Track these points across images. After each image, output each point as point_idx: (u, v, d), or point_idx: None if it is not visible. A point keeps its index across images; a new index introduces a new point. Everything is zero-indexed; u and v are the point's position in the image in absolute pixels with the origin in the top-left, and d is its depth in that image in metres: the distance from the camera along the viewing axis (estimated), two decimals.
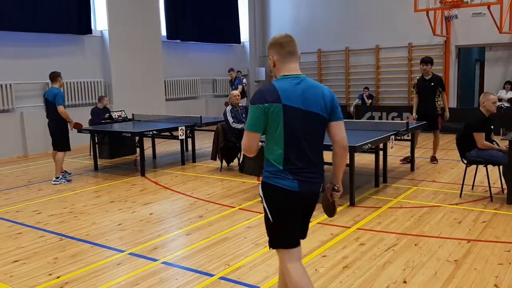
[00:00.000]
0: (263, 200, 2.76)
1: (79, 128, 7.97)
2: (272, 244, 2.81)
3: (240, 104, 8.17)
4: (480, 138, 5.72)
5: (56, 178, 7.59)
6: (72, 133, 8.84)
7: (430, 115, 8.06)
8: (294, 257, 2.77)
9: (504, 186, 5.88)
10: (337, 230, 4.89)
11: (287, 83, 2.68)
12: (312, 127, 2.72)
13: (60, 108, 7.34)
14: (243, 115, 8.06)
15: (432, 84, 8.02)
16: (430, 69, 8.04)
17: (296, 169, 2.72)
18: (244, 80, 15.53)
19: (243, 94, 13.25)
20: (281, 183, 2.69)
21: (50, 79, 7.61)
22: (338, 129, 2.83)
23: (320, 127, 2.78)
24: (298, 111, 2.64)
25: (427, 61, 8.03)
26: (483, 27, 12.32)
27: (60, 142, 7.52)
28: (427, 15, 11.99)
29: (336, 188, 3.06)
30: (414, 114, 8.26)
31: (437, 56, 13.63)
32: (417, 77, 8.38)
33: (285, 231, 2.77)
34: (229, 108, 7.99)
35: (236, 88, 13.14)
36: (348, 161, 5.95)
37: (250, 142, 2.73)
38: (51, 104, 7.41)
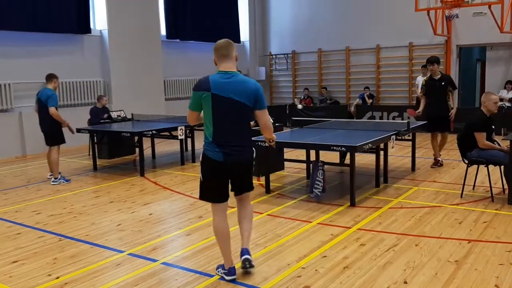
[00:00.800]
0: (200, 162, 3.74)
1: (71, 131, 7.79)
2: (201, 197, 3.87)
3: None
4: (481, 138, 5.71)
5: (55, 178, 7.56)
6: (71, 133, 8.84)
7: (442, 116, 7.69)
8: (219, 209, 3.81)
9: (505, 186, 5.86)
10: (337, 231, 4.87)
11: (219, 77, 3.56)
12: (237, 112, 3.57)
13: (52, 110, 7.30)
14: None
15: (443, 83, 7.71)
16: (437, 69, 7.79)
17: (222, 143, 3.59)
18: None
19: None
20: (210, 154, 3.63)
21: (45, 79, 7.58)
22: (261, 115, 3.70)
23: (244, 113, 3.61)
24: (225, 99, 3.51)
25: (433, 60, 7.76)
26: (484, 26, 12.30)
27: (54, 138, 7.51)
28: (428, 14, 11.98)
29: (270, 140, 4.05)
30: (418, 111, 8.00)
31: (438, 55, 13.60)
32: (425, 78, 8.18)
33: (211, 190, 3.75)
34: None
35: None
36: (349, 161, 5.95)
37: (189, 117, 3.75)
38: (43, 104, 7.37)
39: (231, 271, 3.76)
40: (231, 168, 3.68)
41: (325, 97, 15.05)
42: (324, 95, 15.07)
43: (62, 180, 7.59)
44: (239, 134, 3.64)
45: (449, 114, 7.76)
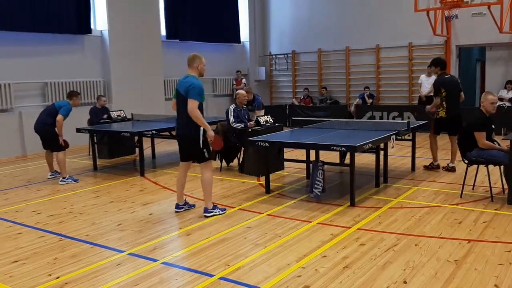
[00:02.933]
0: None
1: (66, 145, 7.75)
2: None
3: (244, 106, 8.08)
4: (481, 138, 5.71)
5: (63, 178, 7.58)
6: (71, 133, 8.85)
7: (458, 116, 7.43)
8: (180, 167, 5.68)
9: (505, 186, 5.87)
10: (337, 230, 4.88)
11: (182, 78, 5.44)
12: (181, 100, 5.28)
13: (60, 117, 7.41)
14: (246, 116, 8.03)
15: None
16: (433, 70, 7.80)
17: (176, 120, 5.48)
18: (244, 80, 15.53)
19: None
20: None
21: (67, 96, 7.83)
22: (189, 103, 5.15)
23: (183, 100, 5.24)
24: (178, 91, 5.33)
25: (430, 63, 7.66)
26: (483, 27, 12.30)
27: (57, 144, 7.54)
28: (428, 15, 11.98)
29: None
30: (440, 114, 7.50)
31: (437, 56, 13.61)
32: (438, 74, 7.74)
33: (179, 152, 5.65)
34: (232, 107, 7.90)
35: (254, 110, 9.01)
36: (348, 161, 5.96)
37: (172, 103, 5.62)
38: (54, 110, 7.50)
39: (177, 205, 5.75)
40: (177, 138, 5.60)
41: (325, 97, 15.05)
42: (324, 95, 15.08)
43: (70, 180, 7.60)
44: (181, 115, 5.33)
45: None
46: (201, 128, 5.24)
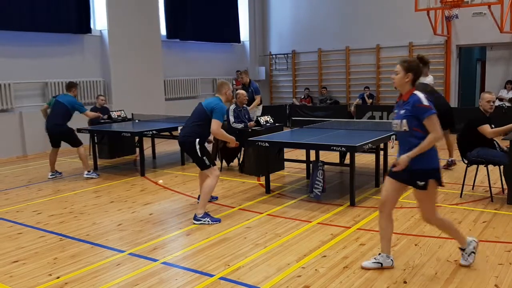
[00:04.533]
0: None
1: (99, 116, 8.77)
2: None
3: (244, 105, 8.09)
4: (485, 129, 5.62)
5: (88, 171, 7.92)
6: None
7: (447, 110, 7.56)
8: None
9: (505, 186, 5.87)
10: (337, 230, 4.88)
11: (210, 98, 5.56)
12: (197, 112, 5.48)
13: (88, 114, 8.19)
14: (246, 116, 8.03)
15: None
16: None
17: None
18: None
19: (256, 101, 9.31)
20: None
21: (66, 88, 8.02)
22: (213, 123, 5.34)
23: (199, 112, 5.44)
24: (200, 104, 5.48)
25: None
26: (483, 26, 12.30)
27: (75, 139, 7.84)
28: (428, 14, 11.98)
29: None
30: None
31: (438, 55, 13.63)
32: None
33: None
34: (233, 107, 7.90)
35: (251, 95, 9.06)
36: (348, 161, 5.96)
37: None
38: (64, 108, 7.69)
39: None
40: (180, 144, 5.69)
41: (325, 97, 15.06)
42: (324, 94, 15.08)
43: (94, 174, 7.93)
44: (187, 124, 5.53)
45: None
46: (197, 139, 5.29)
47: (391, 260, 3.92)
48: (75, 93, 7.99)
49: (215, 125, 5.25)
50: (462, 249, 3.87)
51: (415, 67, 3.65)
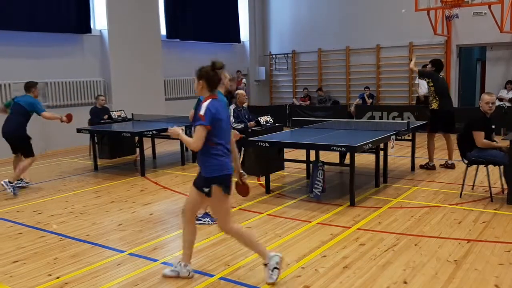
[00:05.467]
0: None
1: (70, 118, 7.50)
2: None
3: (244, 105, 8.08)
4: (479, 137, 5.70)
5: (10, 182, 6.86)
6: (72, 133, 8.87)
7: (451, 112, 7.82)
8: None
9: (505, 186, 5.87)
10: (337, 230, 4.88)
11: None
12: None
13: (45, 114, 7.18)
14: (246, 116, 8.02)
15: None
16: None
17: None
18: (244, 80, 15.52)
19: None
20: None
21: (25, 89, 7.24)
22: None
23: None
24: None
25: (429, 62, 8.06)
26: (484, 26, 12.30)
27: (30, 149, 7.19)
28: (428, 14, 11.98)
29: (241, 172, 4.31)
30: (433, 105, 7.79)
31: (438, 55, 13.59)
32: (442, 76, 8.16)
33: None
34: (232, 107, 7.87)
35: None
36: (348, 161, 5.96)
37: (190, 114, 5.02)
38: (23, 110, 7.00)
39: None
40: None
41: (323, 97, 15.05)
42: (321, 95, 15.07)
43: (11, 190, 6.81)
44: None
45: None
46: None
47: (188, 270, 3.84)
48: (35, 93, 7.23)
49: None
50: (265, 265, 3.70)
51: (205, 73, 3.72)
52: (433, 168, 7.78)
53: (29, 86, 7.25)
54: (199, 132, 3.58)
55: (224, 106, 3.76)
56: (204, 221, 5.27)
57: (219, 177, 3.64)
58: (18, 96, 7.33)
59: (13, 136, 7.10)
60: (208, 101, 3.61)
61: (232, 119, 7.76)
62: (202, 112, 3.55)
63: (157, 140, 10.12)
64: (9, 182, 6.87)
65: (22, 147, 7.17)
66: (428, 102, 8.70)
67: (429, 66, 8.07)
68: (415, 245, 4.42)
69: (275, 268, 3.66)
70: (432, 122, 7.85)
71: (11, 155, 7.58)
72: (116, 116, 10.10)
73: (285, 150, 7.77)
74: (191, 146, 3.67)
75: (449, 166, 7.81)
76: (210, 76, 3.73)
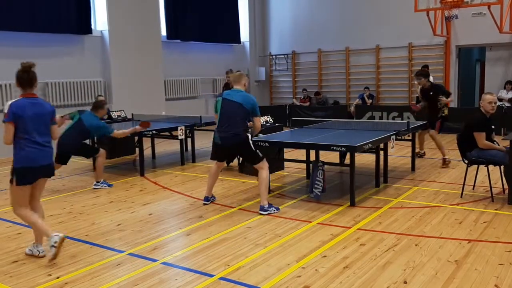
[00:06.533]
0: None
1: (147, 126, 7.42)
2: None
3: None
4: (480, 138, 5.71)
5: (97, 182, 7.23)
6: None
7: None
8: (216, 164, 5.97)
9: (505, 186, 5.86)
10: (337, 230, 4.88)
11: (230, 91, 5.78)
12: (236, 109, 5.56)
13: (115, 133, 7.13)
14: None
15: (431, 93, 8.18)
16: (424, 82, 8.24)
17: (218, 129, 5.69)
18: None
19: None
20: (215, 136, 5.81)
21: (93, 108, 7.26)
22: (256, 121, 5.77)
23: (239, 109, 5.55)
24: (230, 100, 5.60)
25: (418, 74, 8.37)
26: (483, 27, 12.31)
27: (89, 149, 7.50)
28: (428, 15, 11.99)
29: None
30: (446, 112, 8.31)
31: (437, 56, 13.64)
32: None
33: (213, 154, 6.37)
34: None
35: None
36: (348, 161, 5.95)
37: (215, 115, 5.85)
38: (84, 128, 6.97)
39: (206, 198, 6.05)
40: (222, 147, 5.87)
41: (321, 100, 15.04)
42: (320, 99, 15.07)
43: (104, 185, 7.21)
44: (231, 124, 5.57)
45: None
46: (249, 134, 5.66)
47: (39, 250, 4.38)
48: (101, 113, 7.29)
49: (258, 123, 5.76)
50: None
51: (16, 73, 4.35)
52: (446, 162, 8.07)
53: (97, 107, 7.23)
54: (4, 129, 4.10)
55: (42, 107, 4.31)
56: (271, 210, 5.53)
57: (18, 168, 4.16)
58: (84, 114, 7.23)
59: (70, 151, 7.08)
60: (14, 100, 4.23)
61: None
62: (5, 110, 4.11)
63: (156, 140, 10.12)
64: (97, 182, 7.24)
65: (84, 155, 7.64)
66: None
67: (422, 80, 8.19)
68: (416, 245, 4.42)
69: (53, 246, 4.11)
70: (442, 125, 8.19)
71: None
72: (116, 116, 10.08)
73: (285, 150, 7.77)
74: (3, 141, 4.19)
75: (446, 162, 8.07)
76: (18, 76, 4.33)
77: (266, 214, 5.47)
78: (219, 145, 5.78)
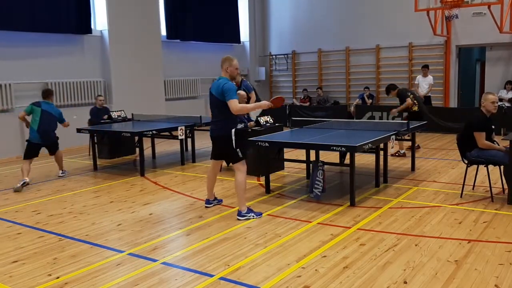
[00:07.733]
0: None
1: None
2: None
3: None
4: (480, 138, 5.71)
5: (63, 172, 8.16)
6: (72, 133, 8.90)
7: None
8: (212, 164, 5.82)
9: (505, 186, 5.87)
10: (337, 230, 4.88)
11: (215, 81, 5.46)
12: (213, 102, 5.40)
13: (65, 123, 8.03)
14: (246, 116, 8.02)
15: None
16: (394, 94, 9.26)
17: (211, 122, 5.60)
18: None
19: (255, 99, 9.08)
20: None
21: (46, 95, 7.88)
22: (229, 104, 5.18)
23: (215, 102, 5.34)
24: (211, 94, 5.39)
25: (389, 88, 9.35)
26: (483, 27, 12.31)
27: (57, 145, 7.97)
28: (428, 15, 11.98)
29: None
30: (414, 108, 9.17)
31: (437, 56, 13.64)
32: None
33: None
34: None
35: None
36: (348, 161, 5.95)
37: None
38: (53, 117, 7.74)
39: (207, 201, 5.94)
40: (212, 138, 5.66)
41: (322, 98, 15.03)
42: (321, 95, 15.05)
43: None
44: (214, 116, 5.48)
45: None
46: (233, 129, 5.32)
47: None
48: (52, 99, 7.92)
49: (233, 105, 5.12)
50: None
51: None
52: (403, 155, 8.74)
53: (49, 94, 7.97)
54: None
55: None
56: (249, 216, 5.35)
57: None
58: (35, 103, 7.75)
59: (49, 141, 7.86)
60: None
61: None
62: None
63: (156, 140, 10.12)
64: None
65: (54, 146, 8.02)
66: (429, 102, 10.97)
67: (392, 92, 9.20)
68: (416, 245, 4.42)
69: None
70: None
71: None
72: (116, 116, 10.09)
73: (285, 150, 7.78)
74: None
75: (401, 155, 8.76)
76: None
77: (244, 220, 5.29)
78: (211, 139, 5.62)
